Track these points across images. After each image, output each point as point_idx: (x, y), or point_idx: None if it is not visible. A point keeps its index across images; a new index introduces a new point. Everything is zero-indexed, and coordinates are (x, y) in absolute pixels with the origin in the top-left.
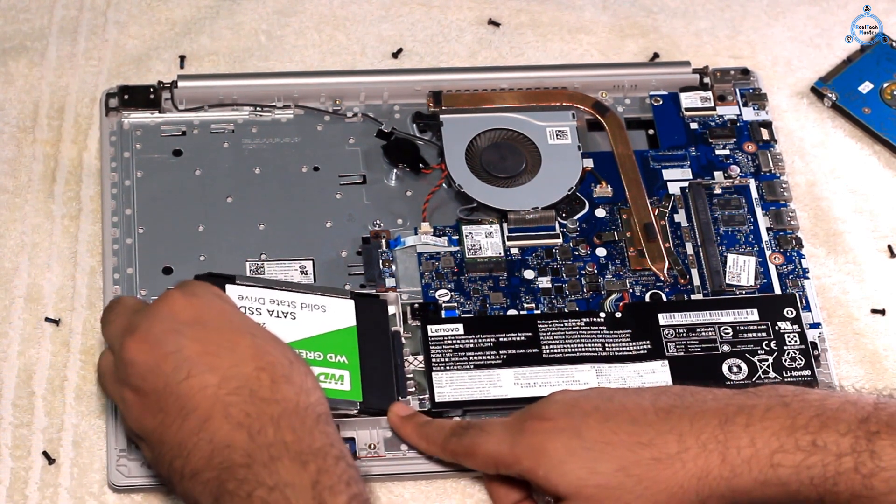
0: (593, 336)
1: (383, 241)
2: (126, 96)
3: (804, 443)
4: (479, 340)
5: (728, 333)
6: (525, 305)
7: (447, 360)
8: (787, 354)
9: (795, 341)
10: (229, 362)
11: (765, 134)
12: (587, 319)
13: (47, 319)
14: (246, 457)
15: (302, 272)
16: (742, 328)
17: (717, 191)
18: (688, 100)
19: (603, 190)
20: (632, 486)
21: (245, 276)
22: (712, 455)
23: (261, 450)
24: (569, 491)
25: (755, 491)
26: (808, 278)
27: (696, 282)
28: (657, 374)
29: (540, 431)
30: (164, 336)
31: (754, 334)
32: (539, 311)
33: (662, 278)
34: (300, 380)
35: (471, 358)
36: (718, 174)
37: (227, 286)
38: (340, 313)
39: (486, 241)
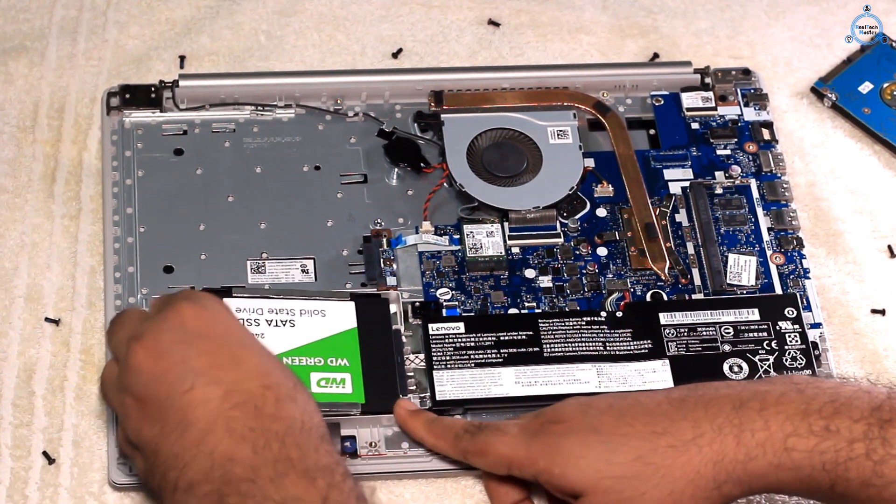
0: (594, 335)
1: (384, 240)
2: (127, 95)
3: (817, 427)
4: (480, 339)
5: (729, 333)
6: (526, 304)
7: (448, 358)
8: (788, 354)
9: (796, 341)
10: (234, 377)
11: (766, 134)
12: (588, 318)
13: (47, 319)
14: (249, 471)
15: (303, 271)
16: (743, 328)
17: (719, 191)
18: (689, 100)
19: (604, 189)
20: (649, 474)
21: (242, 288)
22: (727, 438)
23: (266, 465)
24: (586, 485)
25: (770, 475)
26: (808, 278)
27: (697, 281)
28: (658, 373)
29: (556, 433)
30: (172, 345)
31: (755, 334)
32: (540, 310)
33: (663, 278)
34: (304, 401)
35: (472, 356)
36: (719, 174)
37: (225, 300)
38: (340, 316)
39: (487, 240)
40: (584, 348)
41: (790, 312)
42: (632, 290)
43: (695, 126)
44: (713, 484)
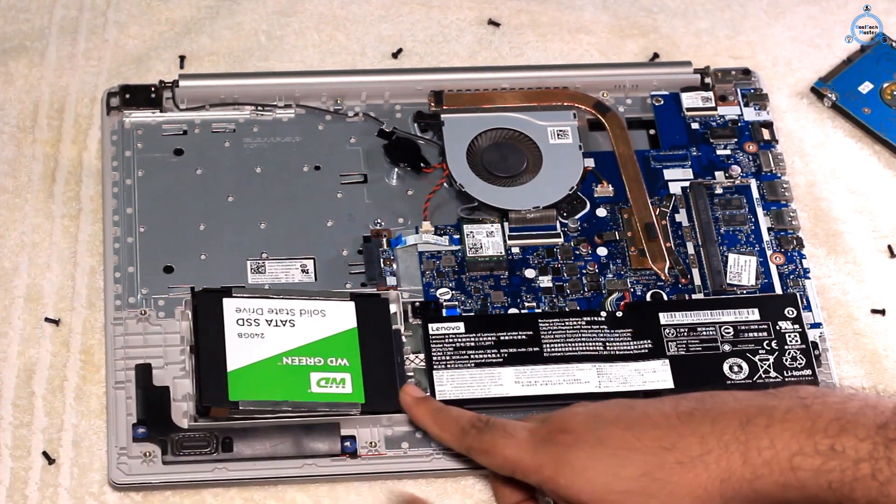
0: (594, 335)
1: (384, 239)
2: (127, 95)
3: (823, 447)
4: (480, 339)
5: (729, 333)
6: (526, 304)
7: (448, 358)
8: (788, 354)
9: (796, 341)
10: None
11: (766, 134)
12: (588, 318)
13: (47, 319)
14: None
15: (303, 271)
16: (743, 328)
17: (718, 191)
18: (689, 100)
19: (604, 189)
20: (656, 490)
21: (242, 288)
22: (734, 456)
23: None
24: (592, 498)
25: (776, 494)
26: (808, 278)
27: (697, 281)
28: (658, 373)
29: (564, 443)
30: None
31: (755, 334)
32: (540, 310)
33: (663, 278)
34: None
35: (472, 356)
36: (719, 174)
37: (224, 300)
38: (340, 316)
39: (487, 240)
40: (584, 348)
41: (790, 312)
42: (632, 290)
43: (695, 126)
44: (720, 501)
